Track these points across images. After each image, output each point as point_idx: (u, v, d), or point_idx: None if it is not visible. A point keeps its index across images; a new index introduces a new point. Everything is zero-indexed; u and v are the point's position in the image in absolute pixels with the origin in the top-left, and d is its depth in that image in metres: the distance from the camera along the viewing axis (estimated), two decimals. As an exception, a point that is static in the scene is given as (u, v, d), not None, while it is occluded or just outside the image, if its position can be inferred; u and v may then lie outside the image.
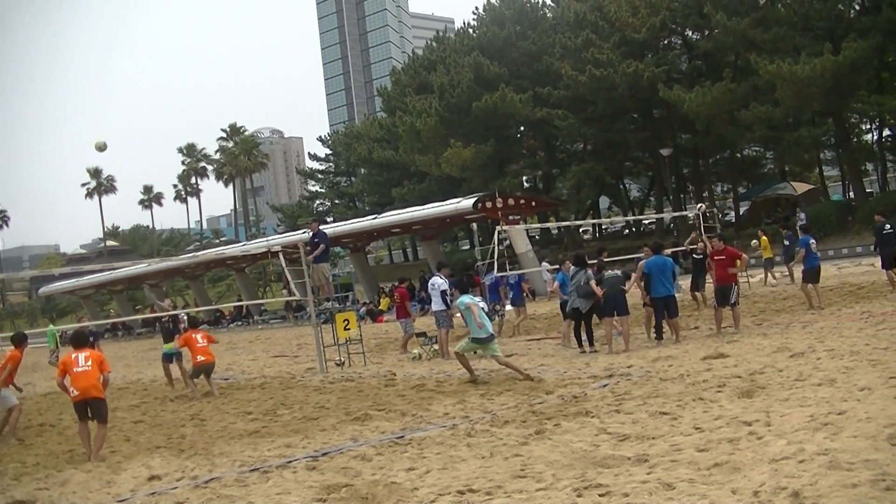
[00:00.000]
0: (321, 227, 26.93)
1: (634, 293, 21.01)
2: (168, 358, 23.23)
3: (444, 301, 23.22)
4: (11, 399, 16.75)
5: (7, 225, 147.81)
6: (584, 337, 20.32)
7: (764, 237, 34.38)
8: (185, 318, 25.77)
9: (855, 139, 59.22)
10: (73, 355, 13.83)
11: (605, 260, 24.30)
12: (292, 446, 12.32)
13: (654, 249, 20.75)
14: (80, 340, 14.36)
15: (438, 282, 23.67)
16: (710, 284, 24.56)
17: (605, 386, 14.48)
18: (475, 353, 17.72)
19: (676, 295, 21.51)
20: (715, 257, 20.71)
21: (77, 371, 13.60)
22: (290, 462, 11.15)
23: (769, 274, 33.22)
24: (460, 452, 10.59)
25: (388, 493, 8.89)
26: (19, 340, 17.53)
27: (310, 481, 9.94)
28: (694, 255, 27.42)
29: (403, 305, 27.57)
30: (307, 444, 12.40)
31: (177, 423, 15.23)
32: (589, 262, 21.30)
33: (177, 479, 11.00)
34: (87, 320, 25.93)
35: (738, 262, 20.69)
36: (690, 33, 62.39)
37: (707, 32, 58.74)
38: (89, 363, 13.69)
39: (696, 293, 27.04)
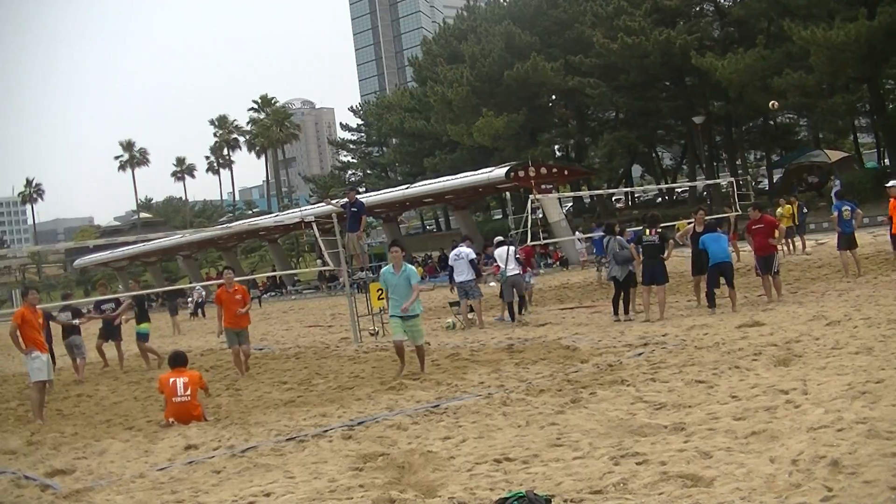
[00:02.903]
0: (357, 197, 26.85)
1: (671, 261, 20.79)
2: (143, 338, 23.38)
3: (474, 269, 23.18)
4: (36, 372, 15.62)
5: (42, 198, 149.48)
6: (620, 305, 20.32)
7: (788, 205, 33.79)
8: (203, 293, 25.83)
9: (890, 105, 58.56)
10: (172, 380, 13.46)
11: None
12: (328, 415, 12.34)
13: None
14: (179, 361, 14.01)
15: (465, 251, 23.60)
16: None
17: (640, 354, 14.45)
18: None
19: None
20: (753, 227, 20.54)
21: (176, 401, 13.32)
22: (326, 431, 11.17)
23: (791, 242, 32.83)
24: (496, 421, 10.58)
25: (425, 462, 8.88)
26: (24, 294, 17.12)
27: (346, 450, 9.95)
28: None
29: (528, 260, 27.46)
30: (343, 413, 12.41)
31: (213, 392, 15.27)
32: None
33: (213, 448, 11.03)
34: (107, 291, 25.62)
35: (776, 231, 20.55)
36: (722, 0, 61.88)
37: (739, -1, 58.28)
38: (188, 393, 13.35)
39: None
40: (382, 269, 16.50)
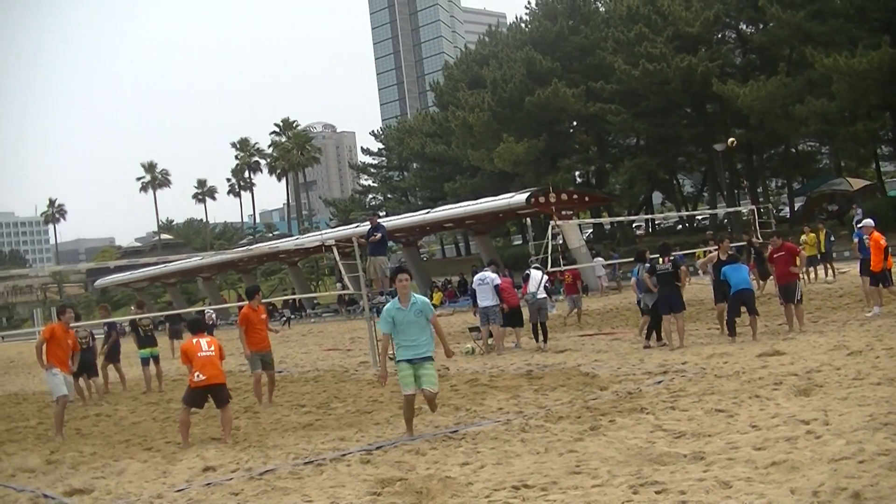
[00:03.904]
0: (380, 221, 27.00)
1: (690, 289, 20.76)
2: (145, 361, 23.22)
3: (498, 295, 23.16)
4: (58, 387, 15.60)
5: (64, 218, 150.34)
6: (645, 332, 20.38)
7: (812, 234, 33.68)
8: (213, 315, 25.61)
9: (913, 134, 58.51)
10: (195, 341, 13.74)
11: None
12: (346, 439, 12.35)
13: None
14: (198, 327, 14.39)
15: (491, 276, 23.60)
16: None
17: (659, 382, 14.40)
18: None
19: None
20: (774, 255, 20.44)
21: (202, 356, 13.53)
22: (344, 455, 11.17)
23: (814, 270, 32.80)
24: (514, 448, 10.55)
25: (443, 488, 8.87)
26: (59, 311, 16.95)
27: (364, 475, 9.95)
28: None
29: (574, 283, 30.58)
30: (361, 437, 12.43)
31: (233, 415, 15.29)
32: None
33: (231, 470, 11.05)
34: (143, 307, 25.66)
35: (798, 259, 20.49)
36: (745, 27, 61.91)
37: (761, 26, 58.29)
38: (212, 349, 13.66)
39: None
40: (386, 307, 12.78)
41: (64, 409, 15.67)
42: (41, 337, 15.93)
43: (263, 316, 17.89)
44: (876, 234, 21.03)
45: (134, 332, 23.86)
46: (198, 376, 13.44)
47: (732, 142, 45.72)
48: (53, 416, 15.90)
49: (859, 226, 23.27)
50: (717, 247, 20.99)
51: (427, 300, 12.86)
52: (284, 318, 58.37)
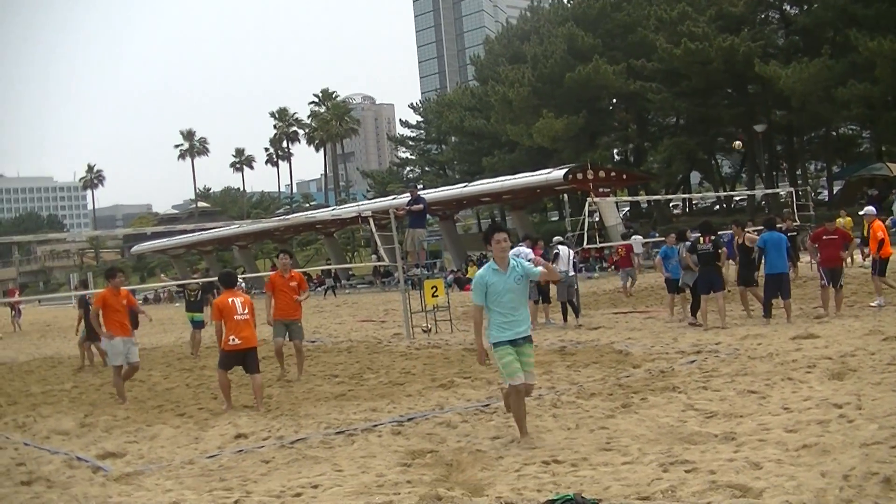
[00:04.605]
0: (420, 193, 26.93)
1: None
2: (197, 325, 23.15)
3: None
4: (114, 356, 15.51)
5: (102, 184, 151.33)
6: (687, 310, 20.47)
7: (848, 217, 33.38)
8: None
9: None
10: (231, 300, 13.61)
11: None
12: (378, 410, 12.39)
13: (768, 225, 20.46)
14: (232, 281, 14.33)
15: (525, 251, 23.46)
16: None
17: (692, 362, 14.37)
18: None
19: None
20: (824, 237, 20.18)
21: (238, 319, 13.48)
22: (376, 426, 11.22)
23: (850, 255, 32.54)
24: (546, 423, 10.57)
25: (473, 461, 8.89)
26: (109, 275, 16.39)
27: (395, 446, 10.01)
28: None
29: (628, 256, 31.38)
30: (393, 408, 12.47)
31: (264, 383, 15.36)
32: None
33: (263, 438, 11.13)
34: (166, 279, 25.72)
35: (850, 245, 20.46)
36: (788, 8, 61.42)
37: (806, 7, 57.89)
38: (247, 311, 13.59)
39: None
40: (479, 272, 10.16)
41: (120, 377, 15.52)
42: (94, 307, 15.88)
43: (294, 283, 17.17)
44: (877, 222, 20.97)
45: (183, 298, 23.87)
46: (233, 340, 13.44)
47: (738, 144, 45.43)
48: (113, 384, 15.81)
49: (861, 213, 23.17)
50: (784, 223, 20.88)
51: (526, 262, 10.19)
52: (327, 287, 58.76)
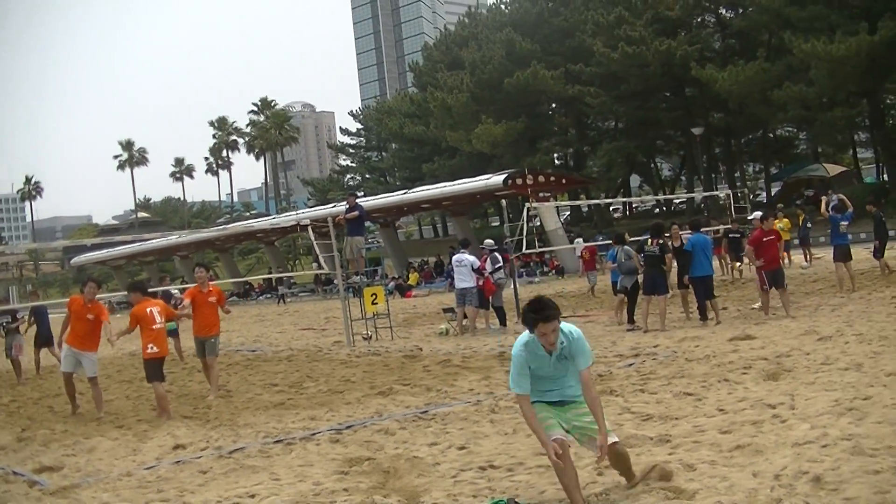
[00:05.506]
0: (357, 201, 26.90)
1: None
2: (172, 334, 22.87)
3: (477, 276, 23.10)
4: (63, 362, 15.39)
5: (41, 196, 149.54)
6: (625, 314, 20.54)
7: (785, 219, 33.74)
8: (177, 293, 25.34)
9: (890, 120, 58.70)
10: (149, 310, 13.70)
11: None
12: (317, 419, 12.38)
13: (694, 227, 20.68)
14: (146, 289, 14.42)
15: (469, 258, 23.55)
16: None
17: (630, 365, 14.45)
18: None
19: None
20: (764, 238, 20.27)
21: (157, 329, 13.66)
22: (314, 434, 11.21)
23: (788, 255, 32.87)
24: (483, 429, 10.60)
25: (410, 468, 8.91)
26: (82, 283, 15.74)
27: (332, 454, 9.99)
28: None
29: (592, 259, 32.25)
30: (331, 416, 12.45)
31: (203, 393, 15.27)
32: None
33: (201, 448, 11.07)
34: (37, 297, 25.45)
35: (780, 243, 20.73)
36: (724, 11, 62.25)
37: (741, 10, 58.56)
38: (163, 320, 13.75)
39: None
40: (516, 348, 7.29)
41: (70, 385, 15.33)
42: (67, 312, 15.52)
43: (213, 299, 16.23)
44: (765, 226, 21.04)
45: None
46: (151, 348, 13.66)
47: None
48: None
49: (749, 217, 23.53)
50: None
51: (584, 342, 7.34)
52: (281, 294, 58.92)
